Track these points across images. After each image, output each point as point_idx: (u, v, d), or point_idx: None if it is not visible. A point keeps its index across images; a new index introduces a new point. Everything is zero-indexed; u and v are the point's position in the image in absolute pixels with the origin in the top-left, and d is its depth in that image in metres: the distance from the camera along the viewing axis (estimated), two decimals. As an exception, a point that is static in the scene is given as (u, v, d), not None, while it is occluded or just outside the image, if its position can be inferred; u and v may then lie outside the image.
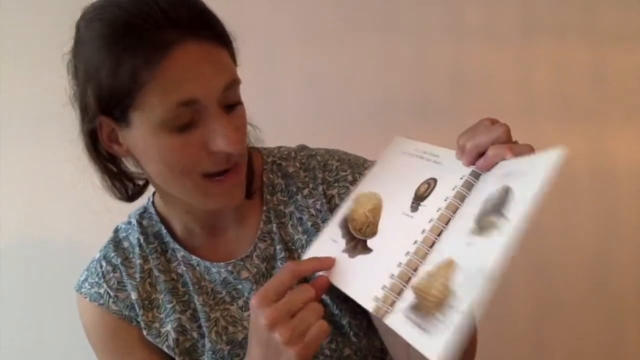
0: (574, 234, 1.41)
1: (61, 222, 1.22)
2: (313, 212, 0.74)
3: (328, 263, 0.63)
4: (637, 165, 1.42)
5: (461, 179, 0.59)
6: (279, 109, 1.25)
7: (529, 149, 0.55)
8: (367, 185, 0.69)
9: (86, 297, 0.73)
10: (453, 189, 0.59)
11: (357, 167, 0.76)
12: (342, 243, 0.65)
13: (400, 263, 0.58)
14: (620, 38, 1.39)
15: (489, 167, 0.58)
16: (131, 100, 0.59)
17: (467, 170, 0.60)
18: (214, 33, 0.61)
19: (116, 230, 0.78)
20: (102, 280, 0.73)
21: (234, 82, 0.62)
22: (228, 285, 0.74)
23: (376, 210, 0.66)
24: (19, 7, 1.19)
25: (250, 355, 0.60)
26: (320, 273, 0.64)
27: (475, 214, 0.55)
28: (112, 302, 0.73)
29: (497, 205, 0.53)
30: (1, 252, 1.21)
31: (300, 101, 1.30)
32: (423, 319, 0.52)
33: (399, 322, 0.55)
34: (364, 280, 0.60)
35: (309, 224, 0.74)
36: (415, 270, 0.57)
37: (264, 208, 0.75)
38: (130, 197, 0.75)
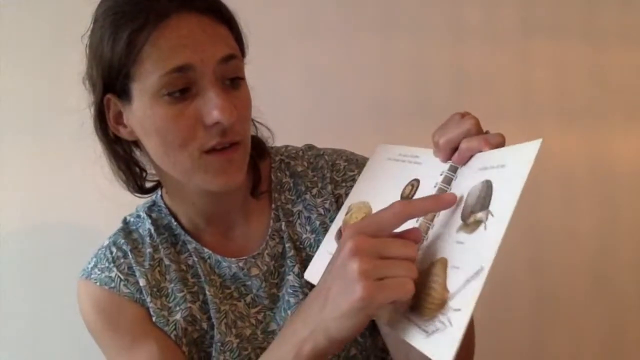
0: (574, 233, 1.42)
1: (60, 217, 1.21)
2: (321, 211, 0.74)
3: (446, 201, 0.53)
4: (637, 165, 1.43)
5: (441, 175, 0.60)
6: (278, 107, 1.25)
7: (501, 138, 0.55)
8: (356, 195, 0.70)
9: (96, 282, 0.71)
10: (434, 187, 0.60)
11: (364, 167, 0.76)
12: None
13: None
14: (620, 38, 1.40)
15: (464, 161, 0.57)
16: (129, 70, 0.61)
17: (445, 166, 0.60)
18: (212, 8, 0.62)
19: (125, 222, 0.77)
20: (112, 265, 0.72)
21: (232, 57, 0.63)
22: (237, 281, 0.73)
23: None
24: (20, 7, 1.19)
25: (320, 282, 0.53)
26: (425, 218, 0.55)
27: (459, 210, 0.55)
28: (124, 285, 0.71)
29: (482, 200, 0.52)
30: (1, 247, 1.20)
31: (300, 100, 1.30)
32: (425, 321, 0.50)
33: (401, 325, 0.53)
34: None
35: (317, 223, 0.74)
36: None
37: (273, 206, 0.75)
38: (140, 188, 0.75)
